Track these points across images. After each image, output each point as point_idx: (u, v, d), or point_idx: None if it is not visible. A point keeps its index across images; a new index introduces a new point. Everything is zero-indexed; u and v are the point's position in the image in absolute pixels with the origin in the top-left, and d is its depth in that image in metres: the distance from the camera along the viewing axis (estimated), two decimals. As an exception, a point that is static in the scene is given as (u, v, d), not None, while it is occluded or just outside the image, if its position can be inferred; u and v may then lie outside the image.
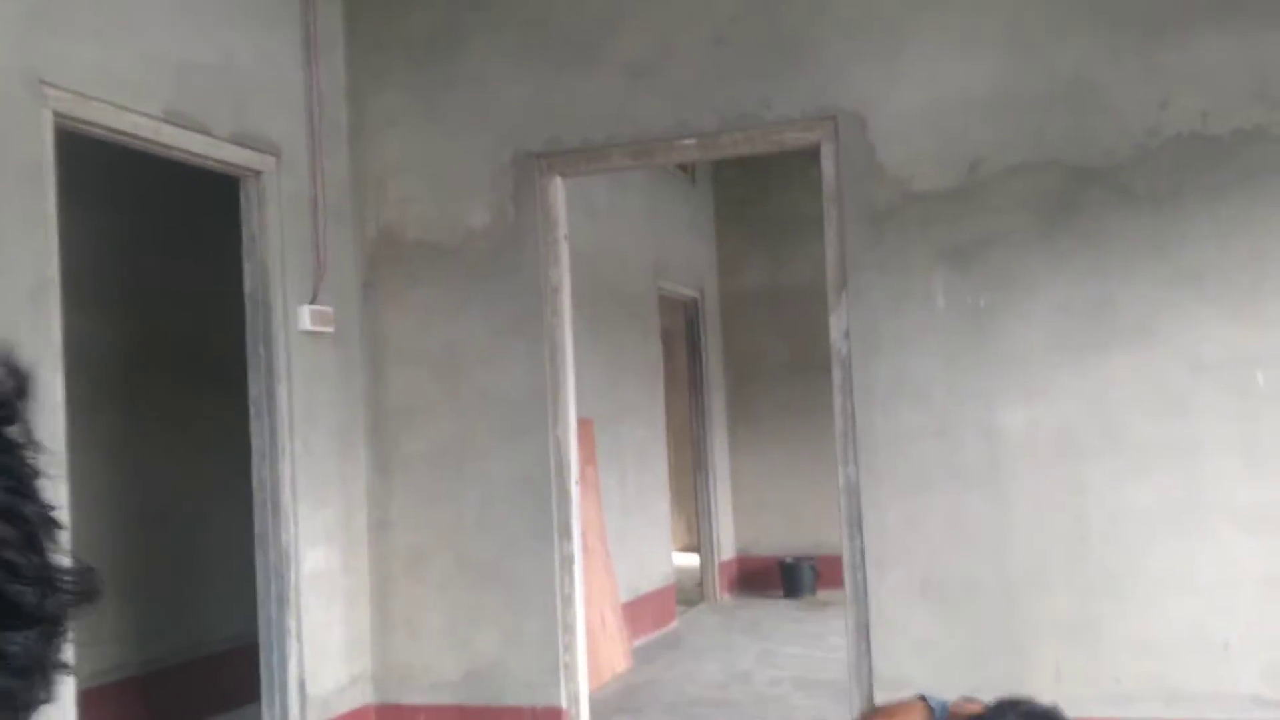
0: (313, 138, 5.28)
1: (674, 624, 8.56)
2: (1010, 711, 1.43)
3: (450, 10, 5.51)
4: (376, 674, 5.49)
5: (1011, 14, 4.78)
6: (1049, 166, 4.70)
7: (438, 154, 5.50)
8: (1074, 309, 4.67)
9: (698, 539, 9.81)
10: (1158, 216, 4.60)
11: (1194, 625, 4.51)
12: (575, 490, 5.39)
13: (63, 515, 0.67)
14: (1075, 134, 4.68)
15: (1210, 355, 4.52)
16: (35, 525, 0.63)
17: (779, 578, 9.66)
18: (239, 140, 4.85)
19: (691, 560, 10.03)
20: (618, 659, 7.01)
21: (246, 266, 4.99)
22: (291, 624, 4.95)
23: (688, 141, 5.22)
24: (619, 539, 7.52)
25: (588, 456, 6.78)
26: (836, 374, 4.93)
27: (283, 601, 4.93)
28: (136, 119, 4.34)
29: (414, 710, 5.43)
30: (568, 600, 5.30)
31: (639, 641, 7.67)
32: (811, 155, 5.21)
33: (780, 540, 9.85)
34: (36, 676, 0.63)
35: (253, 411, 4.98)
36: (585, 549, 5.63)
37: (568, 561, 5.30)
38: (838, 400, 4.93)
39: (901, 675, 4.76)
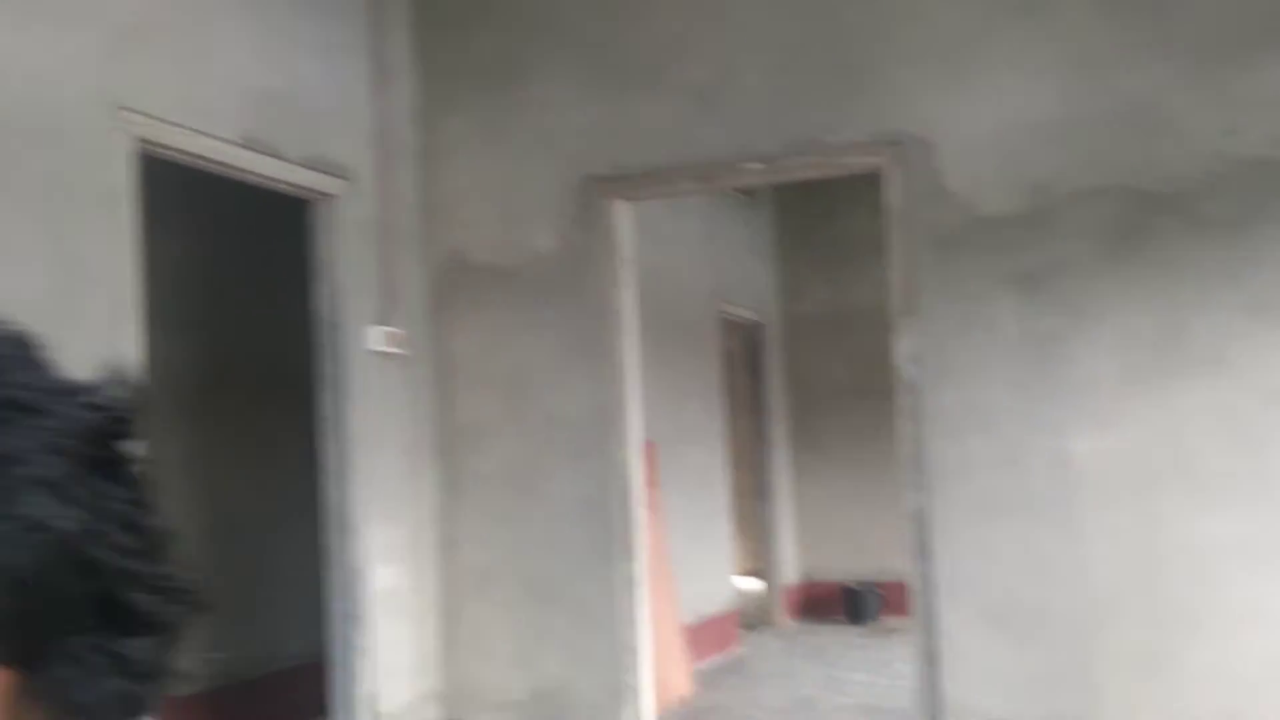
0: (382, 162, 5.38)
1: (737, 648, 8.53)
2: None
3: (516, 36, 5.59)
4: (444, 692, 5.53)
5: (1077, 39, 4.75)
6: (1117, 191, 4.66)
7: (504, 178, 5.57)
8: (1144, 337, 4.61)
9: (760, 563, 9.77)
10: (1230, 243, 4.53)
11: (1269, 658, 4.41)
12: (639, 512, 5.40)
13: None
14: (1143, 159, 4.63)
15: (1285, 384, 4.44)
16: (154, 536, 0.66)
17: (843, 603, 9.58)
18: (310, 164, 4.95)
19: (754, 585, 9.99)
20: (681, 683, 7.00)
21: (318, 288, 5.09)
22: (361, 641, 5.01)
23: (751, 165, 5.24)
24: (681, 562, 7.52)
25: (651, 479, 6.80)
26: (903, 400, 4.91)
27: (352, 619, 5.00)
28: (213, 143, 4.45)
29: (479, 729, 5.46)
30: (632, 622, 5.30)
31: (702, 665, 7.65)
32: (876, 179, 5.21)
33: (844, 566, 9.78)
34: (153, 682, 0.66)
35: (323, 431, 5.06)
36: (648, 571, 5.64)
37: (632, 583, 5.32)
38: (904, 426, 4.90)
39: (970, 704, 4.70)
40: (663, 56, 5.36)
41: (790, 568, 9.89)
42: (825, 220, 9.98)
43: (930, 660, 4.82)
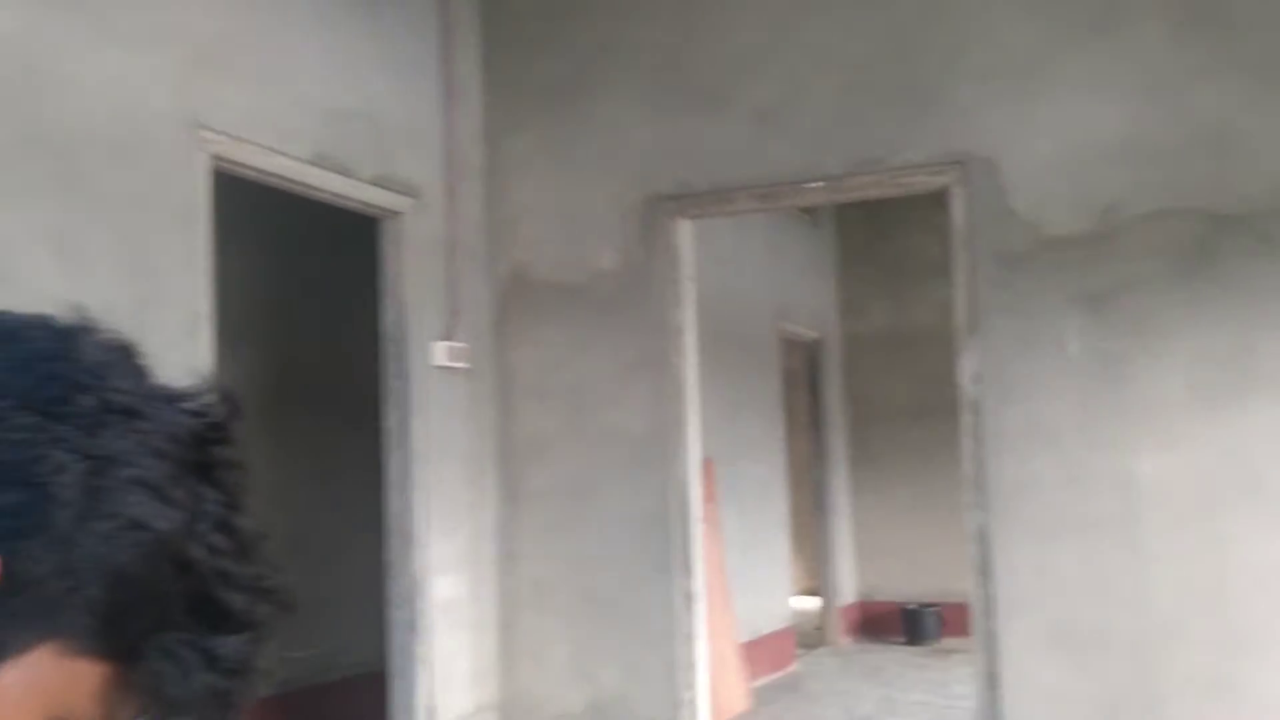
0: (449, 180, 5.46)
1: (793, 666, 8.49)
2: None
3: (583, 56, 5.66)
4: (502, 703, 5.58)
5: (1146, 59, 4.71)
6: (1186, 213, 4.60)
7: (568, 196, 5.63)
8: (1212, 357, 4.55)
9: (817, 582, 9.72)
10: (1302, 263, 4.46)
11: (1342, 687, 4.31)
12: (697, 528, 5.42)
13: None
14: (1213, 180, 4.57)
15: (1359, 406, 4.35)
16: (247, 537, 0.70)
17: (901, 624, 9.51)
18: (380, 182, 5.05)
19: (811, 604, 9.94)
20: (737, 699, 6.98)
21: (385, 304, 5.17)
22: (420, 651, 5.07)
23: (814, 185, 5.25)
24: (738, 578, 7.51)
25: (709, 494, 6.80)
26: (966, 418, 4.88)
27: (412, 628, 5.06)
28: (286, 161, 4.56)
29: (535, 742, 5.50)
30: (689, 637, 5.31)
31: (757, 683, 7.62)
32: (938, 199, 5.19)
33: (902, 585, 9.71)
34: (244, 678, 0.69)
35: (388, 443, 5.14)
36: (705, 587, 5.65)
37: (690, 598, 5.33)
38: (967, 445, 4.87)
39: (1029, 727, 4.65)
40: (728, 76, 5.39)
41: (848, 586, 9.83)
42: (886, 239, 9.95)
43: (991, 682, 4.77)
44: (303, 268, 6.47)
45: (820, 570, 9.61)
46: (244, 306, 5.87)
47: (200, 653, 0.66)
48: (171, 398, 0.69)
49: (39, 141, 3.61)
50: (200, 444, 0.69)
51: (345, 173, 4.85)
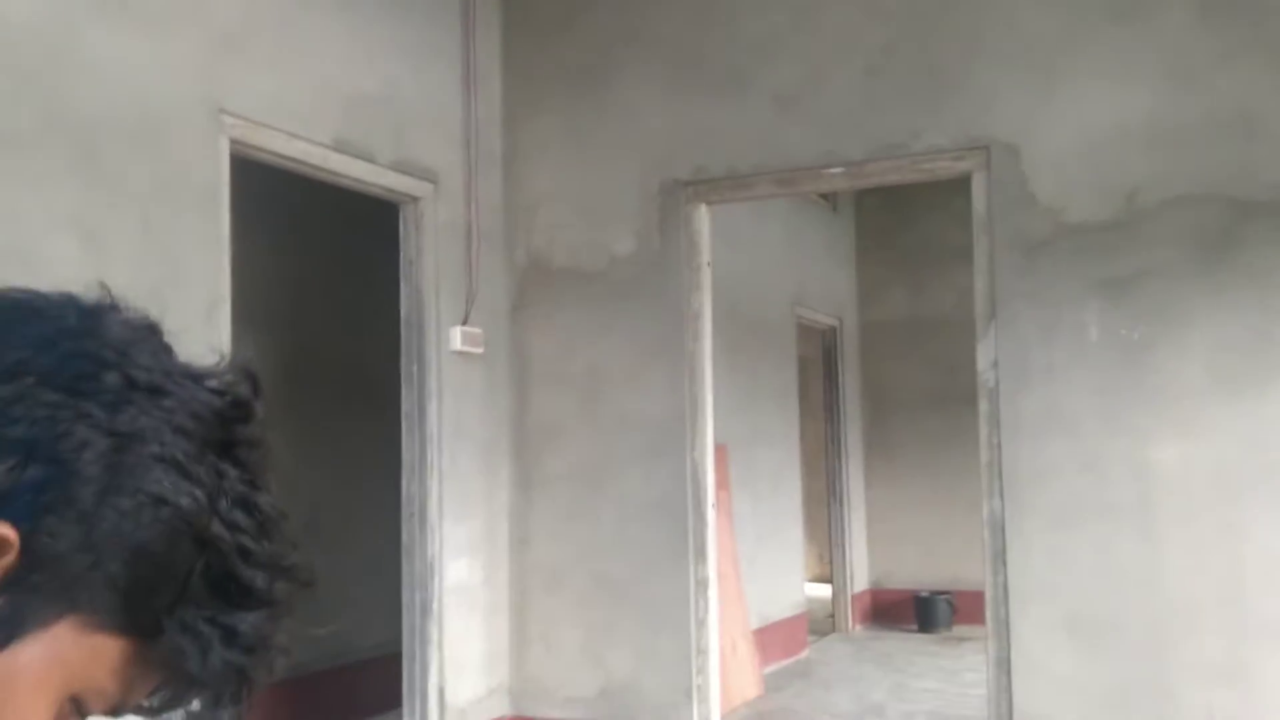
0: (468, 165, 5.47)
1: (805, 653, 8.50)
2: None
3: (603, 41, 5.65)
4: (513, 686, 5.60)
5: (1170, 45, 4.67)
6: (1209, 199, 4.57)
7: (587, 181, 5.63)
8: (1233, 344, 4.52)
9: (830, 569, 9.72)
10: (1325, 251, 4.43)
11: (1358, 679, 4.30)
12: (712, 514, 5.43)
13: None
14: (1237, 166, 4.54)
15: (1380, 396, 4.33)
16: (267, 515, 0.71)
17: (913, 611, 9.50)
18: (399, 168, 5.05)
19: (823, 591, 9.95)
20: (749, 685, 7.00)
21: (403, 289, 5.18)
22: (433, 634, 5.10)
23: (834, 170, 5.23)
24: (751, 565, 7.51)
25: (721, 481, 6.81)
26: (983, 405, 4.87)
27: (426, 612, 5.09)
28: (306, 146, 4.57)
29: (549, 725, 5.53)
30: (701, 623, 5.33)
31: (769, 669, 7.64)
32: (957, 185, 5.17)
33: (915, 573, 9.70)
34: (262, 655, 0.70)
35: (404, 427, 5.16)
36: (718, 573, 5.66)
37: (702, 585, 5.34)
38: (984, 431, 4.86)
39: (1043, 713, 4.65)
40: (747, 61, 5.37)
41: (861, 573, 9.83)
42: (904, 225, 9.91)
43: (1003, 669, 4.77)
44: (321, 252, 6.48)
45: (833, 557, 9.61)
46: (262, 291, 5.89)
47: (220, 629, 0.67)
48: (195, 376, 0.70)
49: (61, 126, 3.63)
50: (223, 422, 0.69)
51: (365, 158, 4.86)
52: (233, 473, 0.69)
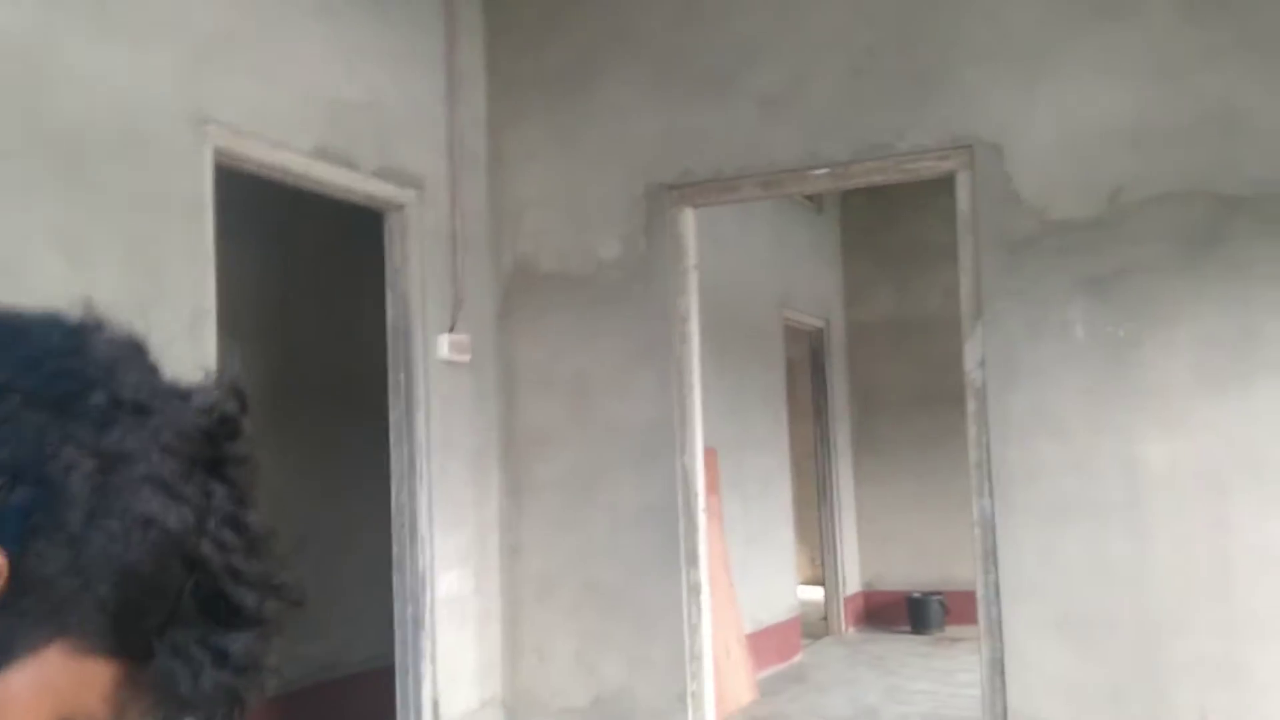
0: (453, 171, 5.45)
1: (798, 657, 8.50)
2: None
3: (587, 46, 5.64)
4: (506, 698, 5.58)
5: (1153, 41, 4.69)
6: (1193, 195, 4.59)
7: (572, 186, 5.62)
8: (1218, 340, 4.54)
9: (822, 572, 9.73)
10: (1309, 246, 4.45)
11: (1350, 672, 4.31)
12: (702, 519, 5.42)
13: None
14: (1221, 162, 4.56)
15: (1367, 390, 4.34)
16: (256, 534, 0.69)
17: (906, 612, 9.51)
18: (383, 175, 5.04)
19: (815, 594, 9.95)
20: (742, 690, 6.99)
21: (389, 297, 5.16)
22: (426, 646, 5.07)
23: (819, 172, 5.23)
24: (742, 569, 7.51)
25: (712, 485, 6.81)
26: (971, 404, 4.87)
27: (418, 624, 5.06)
28: (289, 155, 4.54)
29: (542, 734, 5.51)
30: (694, 629, 5.32)
31: (763, 673, 7.63)
32: (942, 184, 5.18)
33: (907, 574, 9.71)
34: (254, 675, 0.69)
35: (392, 437, 5.13)
36: (710, 578, 5.65)
37: (694, 590, 5.33)
38: (972, 431, 4.87)
39: (1037, 713, 4.65)
40: (731, 64, 5.37)
41: (852, 576, 9.84)
42: (889, 226, 9.93)
43: (996, 669, 4.77)
44: (306, 261, 6.46)
45: (825, 560, 9.61)
46: (248, 301, 5.87)
47: (210, 650, 0.66)
48: (181, 394, 0.69)
49: (43, 137, 3.61)
50: (210, 440, 0.68)
51: (349, 165, 4.84)
52: (221, 491, 0.68)
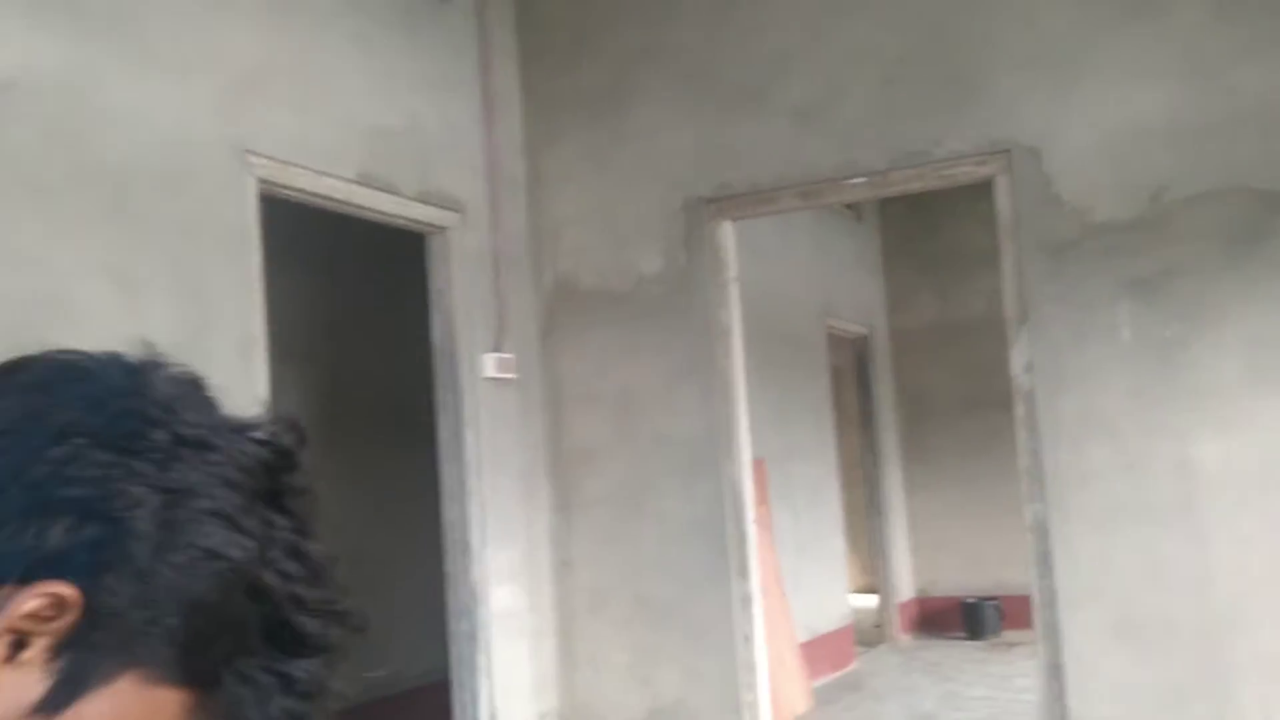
0: (492, 193, 5.50)
1: (853, 665, 8.45)
2: None
3: (620, 65, 5.67)
4: (563, 711, 5.60)
5: (1189, 40, 4.64)
6: (1237, 193, 4.53)
7: (610, 203, 5.65)
8: (1269, 339, 4.48)
9: (874, 579, 9.67)
10: (1358, 238, 4.38)
11: None
12: (752, 530, 5.41)
13: None
14: (1264, 159, 4.50)
15: None
16: (317, 562, 0.71)
17: (960, 618, 9.43)
18: (425, 199, 5.09)
19: (868, 601, 9.89)
20: (798, 700, 6.96)
21: (434, 318, 5.22)
22: (482, 661, 5.11)
23: (857, 181, 5.23)
24: (793, 579, 7.48)
25: (760, 496, 6.79)
26: (1019, 409, 4.84)
27: (473, 639, 5.10)
28: (332, 182, 4.61)
29: (598, 748, 5.52)
30: (747, 639, 5.31)
31: (818, 682, 7.59)
32: (981, 189, 5.15)
33: (960, 580, 9.63)
34: (319, 700, 0.71)
35: (442, 455, 5.18)
36: (761, 589, 5.64)
37: (746, 601, 5.32)
38: (1021, 436, 4.83)
39: (1097, 717, 4.60)
40: (765, 75, 5.38)
41: (905, 583, 9.77)
42: (930, 232, 9.88)
43: (1054, 674, 4.72)
44: (352, 286, 6.54)
45: (877, 567, 9.55)
46: (294, 326, 5.95)
47: (277, 677, 0.68)
48: (240, 428, 0.71)
49: (89, 174, 3.69)
50: (269, 473, 0.70)
51: (390, 190, 4.90)
52: (281, 522, 0.70)
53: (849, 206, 9.33)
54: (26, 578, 0.61)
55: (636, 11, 5.70)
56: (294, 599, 0.68)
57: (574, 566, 5.64)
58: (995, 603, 9.24)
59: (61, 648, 0.62)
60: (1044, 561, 4.76)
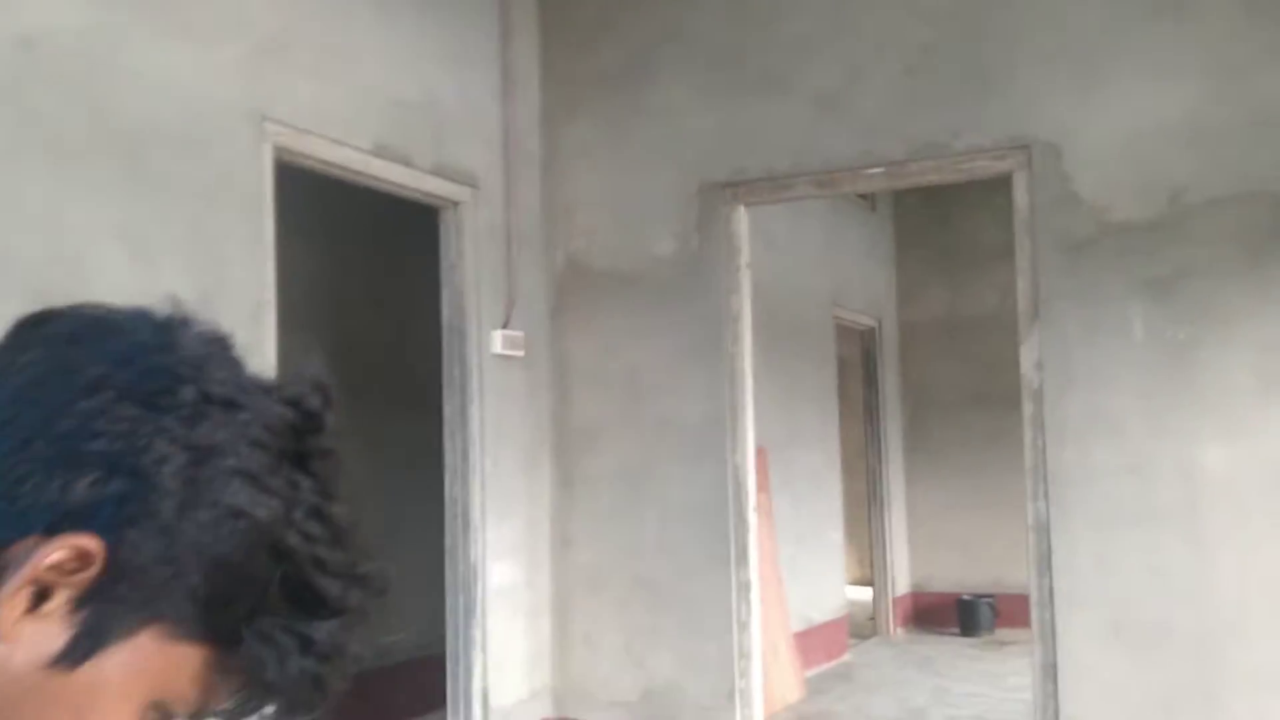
0: (507, 169, 5.49)
1: (846, 656, 8.46)
2: None
3: (641, 44, 5.65)
4: (556, 689, 5.62)
5: (1212, 42, 4.62)
6: (1255, 196, 4.52)
7: (625, 184, 5.64)
8: (1280, 344, 4.47)
9: (871, 572, 9.68)
10: (1376, 249, 4.37)
11: None
12: (753, 517, 5.41)
13: None
14: (1284, 163, 4.48)
15: None
16: (340, 525, 0.71)
17: (955, 614, 9.43)
18: (439, 172, 5.08)
19: (864, 594, 9.90)
20: (790, 688, 6.98)
21: (444, 293, 5.21)
22: (477, 635, 5.12)
23: (874, 171, 5.21)
24: (791, 568, 7.49)
25: (762, 484, 6.79)
26: (1027, 407, 4.83)
27: (469, 613, 5.11)
28: (348, 152, 4.60)
29: (591, 728, 5.54)
30: (744, 626, 5.32)
31: (810, 672, 7.61)
32: (996, 184, 5.14)
33: (957, 576, 9.63)
34: (338, 662, 0.71)
35: (446, 430, 5.18)
36: (759, 576, 5.64)
37: (744, 587, 5.33)
38: (1028, 433, 4.82)
39: (1089, 718, 4.60)
40: (786, 62, 5.36)
41: (902, 576, 9.77)
42: (943, 225, 9.85)
43: (1048, 674, 4.73)
44: (362, 256, 6.53)
45: (874, 560, 9.56)
46: (305, 295, 5.94)
47: (296, 637, 0.68)
48: (267, 389, 0.71)
49: (108, 135, 3.68)
50: (295, 434, 0.70)
51: (405, 163, 4.89)
52: (306, 484, 0.69)
53: (863, 196, 9.30)
54: (51, 530, 0.61)
55: (659, -8, 5.67)
56: (316, 560, 0.68)
57: (574, 545, 5.65)
58: (990, 600, 9.25)
59: (84, 600, 0.62)
60: (1044, 560, 4.76)
